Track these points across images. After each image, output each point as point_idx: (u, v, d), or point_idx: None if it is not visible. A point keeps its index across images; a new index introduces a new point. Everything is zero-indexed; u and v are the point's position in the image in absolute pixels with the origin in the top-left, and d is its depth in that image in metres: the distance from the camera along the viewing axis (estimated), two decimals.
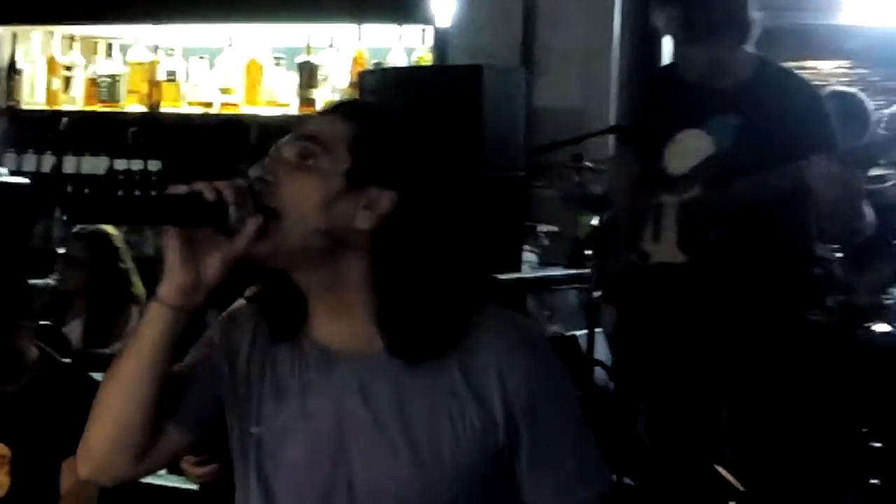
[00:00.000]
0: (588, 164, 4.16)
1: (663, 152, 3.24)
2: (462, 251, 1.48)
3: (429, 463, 1.36)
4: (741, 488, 3.38)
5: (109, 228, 4.41)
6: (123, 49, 5.56)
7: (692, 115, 3.18)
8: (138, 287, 4.16)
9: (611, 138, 4.34)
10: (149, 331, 1.37)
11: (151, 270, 4.10)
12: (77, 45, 5.63)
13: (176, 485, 3.13)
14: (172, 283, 1.35)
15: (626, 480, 3.68)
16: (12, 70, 5.37)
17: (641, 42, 5.19)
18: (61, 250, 4.32)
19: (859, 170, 3.10)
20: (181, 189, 1.32)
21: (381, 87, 4.53)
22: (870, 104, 4.62)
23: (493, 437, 1.37)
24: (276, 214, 1.33)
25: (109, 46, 5.57)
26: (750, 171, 3.10)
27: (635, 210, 3.35)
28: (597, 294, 4.05)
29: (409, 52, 5.09)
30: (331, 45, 5.18)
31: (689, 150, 3.22)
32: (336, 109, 1.47)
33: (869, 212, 3.17)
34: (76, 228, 4.44)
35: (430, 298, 1.38)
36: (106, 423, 1.40)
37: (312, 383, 1.42)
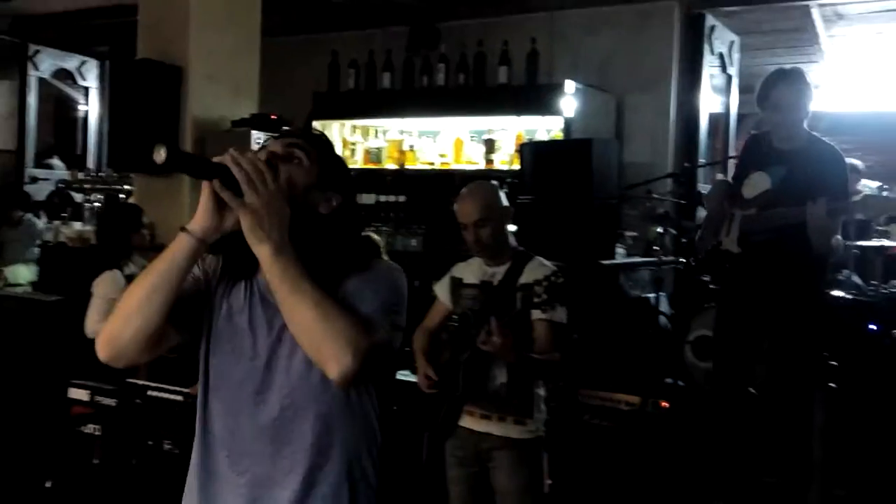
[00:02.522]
0: (655, 195, 5.37)
1: (743, 183, 3.65)
2: (361, 230, 1.65)
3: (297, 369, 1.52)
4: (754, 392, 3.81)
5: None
6: (384, 132, 6.72)
7: (764, 163, 3.57)
8: None
9: (669, 180, 5.57)
10: (177, 252, 1.45)
11: (415, 264, 4.00)
12: (358, 130, 6.75)
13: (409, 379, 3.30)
14: (202, 222, 1.44)
15: (679, 383, 4.51)
16: None
17: (687, 122, 6.41)
18: None
19: (836, 217, 3.41)
20: (222, 159, 1.42)
21: (533, 153, 5.36)
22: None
23: None
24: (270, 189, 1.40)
25: (376, 131, 6.76)
26: (791, 204, 3.42)
27: (721, 214, 3.72)
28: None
29: (549, 131, 5.95)
30: (503, 129, 6.12)
31: (755, 183, 3.60)
32: (302, 136, 1.61)
33: (837, 240, 3.69)
34: None
35: (339, 251, 1.54)
36: (133, 319, 1.46)
37: (255, 310, 1.56)
